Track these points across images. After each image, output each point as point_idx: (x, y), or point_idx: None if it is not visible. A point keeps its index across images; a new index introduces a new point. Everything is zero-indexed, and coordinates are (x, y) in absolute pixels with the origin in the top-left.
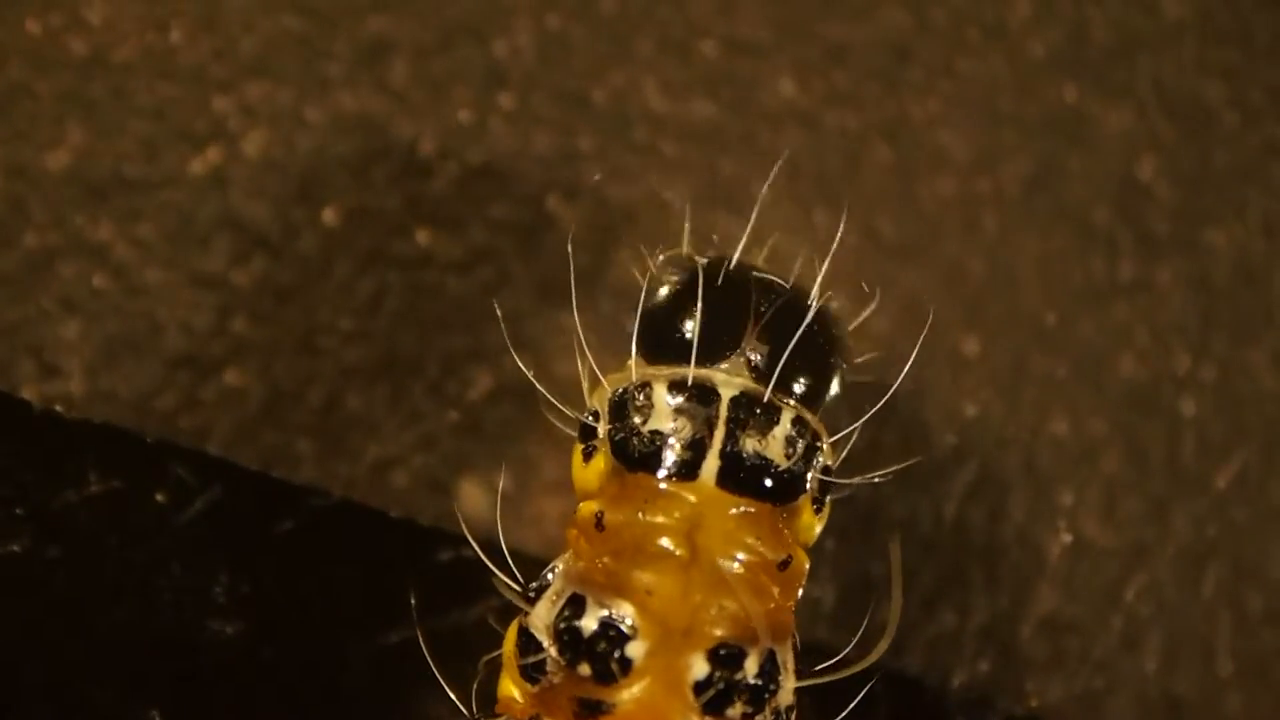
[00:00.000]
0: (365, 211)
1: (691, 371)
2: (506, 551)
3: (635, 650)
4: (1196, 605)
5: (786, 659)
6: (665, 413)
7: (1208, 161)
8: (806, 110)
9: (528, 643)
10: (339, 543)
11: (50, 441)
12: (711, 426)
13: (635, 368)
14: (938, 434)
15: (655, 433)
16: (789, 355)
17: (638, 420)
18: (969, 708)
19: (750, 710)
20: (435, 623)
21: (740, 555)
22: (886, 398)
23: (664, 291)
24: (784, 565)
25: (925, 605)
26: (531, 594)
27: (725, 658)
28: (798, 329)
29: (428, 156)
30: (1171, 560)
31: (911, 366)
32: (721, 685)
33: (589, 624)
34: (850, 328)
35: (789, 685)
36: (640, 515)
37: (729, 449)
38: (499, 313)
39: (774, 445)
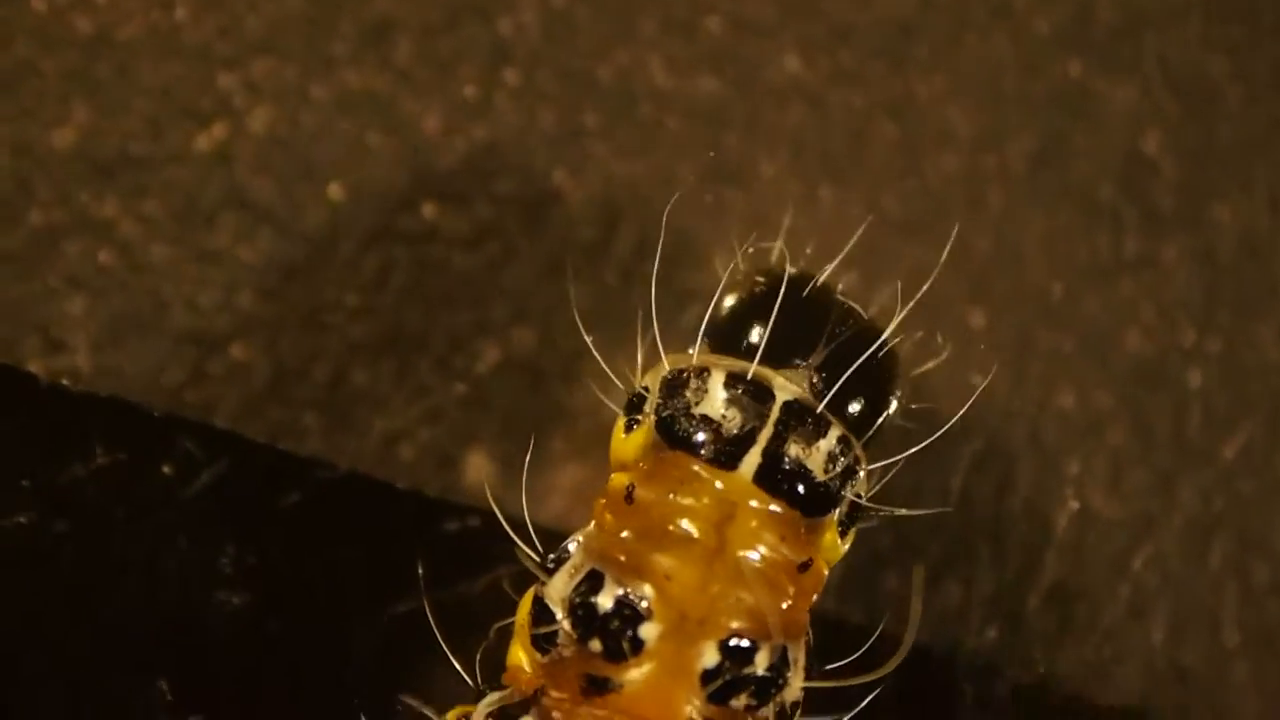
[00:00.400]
0: (371, 188)
1: (753, 368)
2: (507, 523)
3: (648, 632)
4: (1203, 576)
5: (798, 656)
6: (718, 401)
7: (1213, 137)
8: (812, 87)
9: (541, 613)
10: (346, 515)
11: (56, 415)
12: (761, 423)
13: (698, 354)
14: (944, 407)
15: (704, 417)
16: (848, 380)
17: (689, 401)
18: (976, 677)
19: (755, 704)
20: (441, 594)
21: (763, 550)
22: (929, 440)
23: (745, 289)
24: (804, 567)
25: (932, 576)
26: (550, 565)
27: (736, 650)
28: (863, 357)
29: (433, 133)
30: (1178, 531)
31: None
32: (729, 676)
33: (605, 601)
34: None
35: (797, 683)
36: (672, 495)
37: (773, 448)
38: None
39: (816, 457)
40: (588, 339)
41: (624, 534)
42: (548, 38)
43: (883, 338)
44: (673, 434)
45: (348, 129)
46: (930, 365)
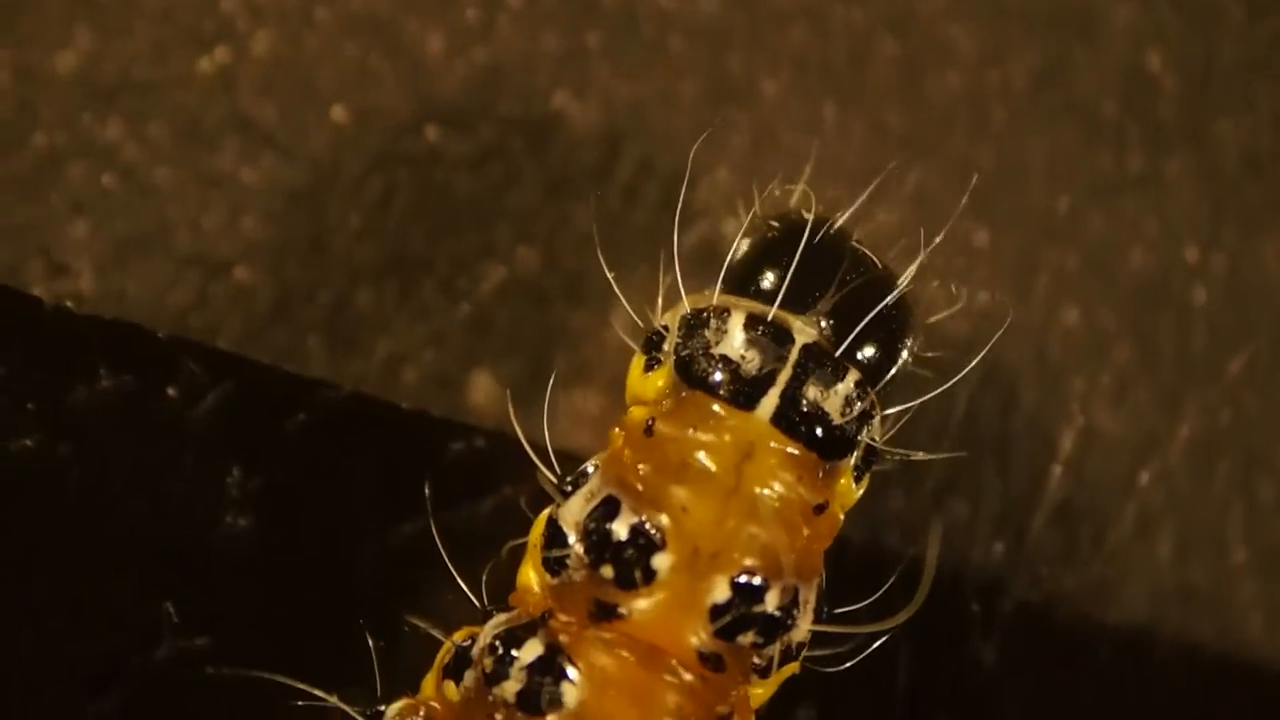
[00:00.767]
0: (374, 111)
1: (773, 311)
2: (515, 444)
3: (661, 562)
4: (1209, 494)
5: (809, 598)
6: (738, 341)
7: (1215, 54)
8: (813, 6)
9: (554, 535)
10: (351, 436)
11: (61, 338)
12: (780, 365)
13: (717, 295)
14: (948, 325)
15: (723, 357)
16: (864, 326)
17: (709, 341)
18: (983, 594)
19: (761, 642)
20: (447, 515)
21: (779, 489)
22: (949, 383)
23: (762, 234)
24: (820, 510)
25: (938, 494)
26: (568, 487)
27: (747, 588)
28: (879, 304)
29: (436, 56)
30: (1183, 450)
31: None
32: (738, 613)
33: (620, 529)
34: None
35: (804, 625)
36: (691, 431)
37: (791, 391)
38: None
39: (833, 400)
40: (611, 277)
41: (641, 467)
42: None
43: (900, 286)
44: (691, 374)
45: (351, 52)
46: (945, 314)
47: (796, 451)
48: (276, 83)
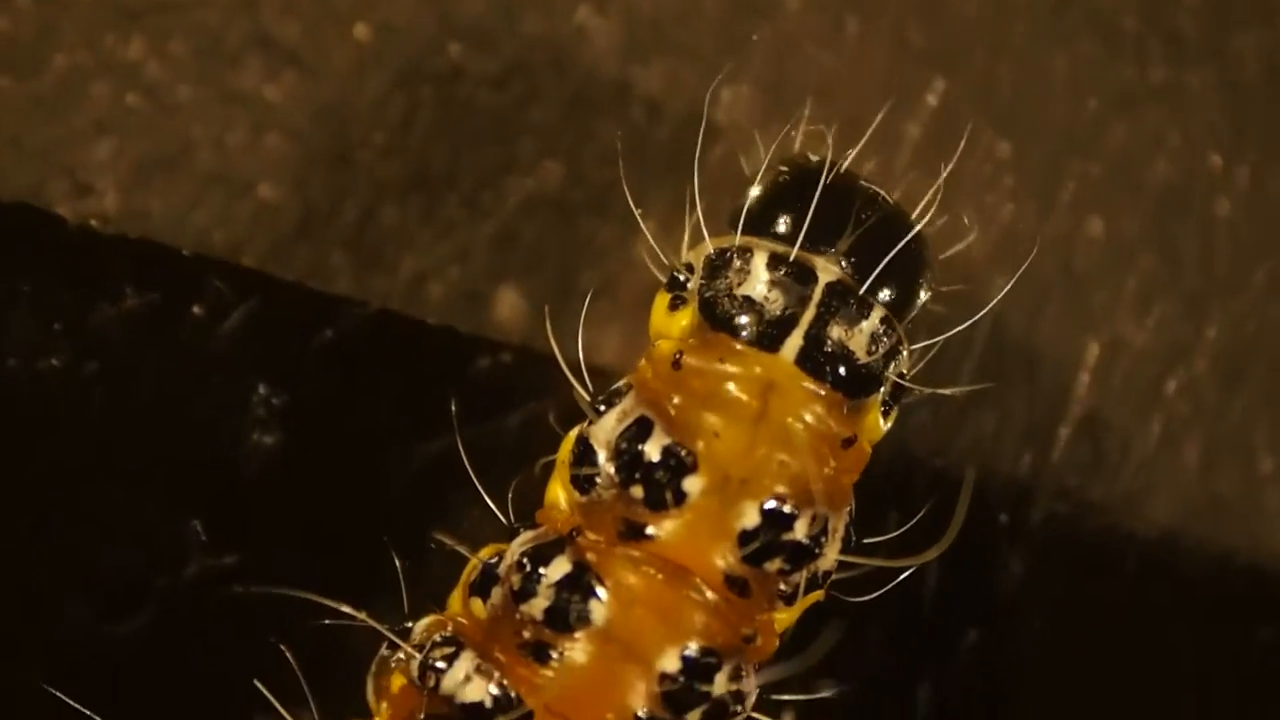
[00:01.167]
0: (397, 28)
1: (795, 251)
2: (540, 359)
3: (692, 485)
4: (1235, 404)
5: (837, 527)
6: (761, 282)
7: None
8: None
9: (584, 453)
10: (378, 352)
11: (86, 257)
12: (803, 305)
13: (739, 235)
14: (974, 243)
15: (747, 298)
16: (884, 259)
17: (732, 282)
18: (1011, 505)
19: (788, 569)
20: (473, 430)
21: (808, 419)
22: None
23: (779, 175)
24: (848, 443)
25: (965, 406)
26: (600, 406)
27: (777, 515)
28: (897, 241)
29: None
30: (1209, 359)
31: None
32: (767, 540)
33: (652, 449)
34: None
35: (832, 554)
36: (719, 364)
37: (815, 331)
38: None
39: (859, 338)
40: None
41: (671, 396)
42: None
43: (915, 222)
44: (715, 316)
45: None
46: (959, 247)
47: (822, 391)
48: (299, 0)
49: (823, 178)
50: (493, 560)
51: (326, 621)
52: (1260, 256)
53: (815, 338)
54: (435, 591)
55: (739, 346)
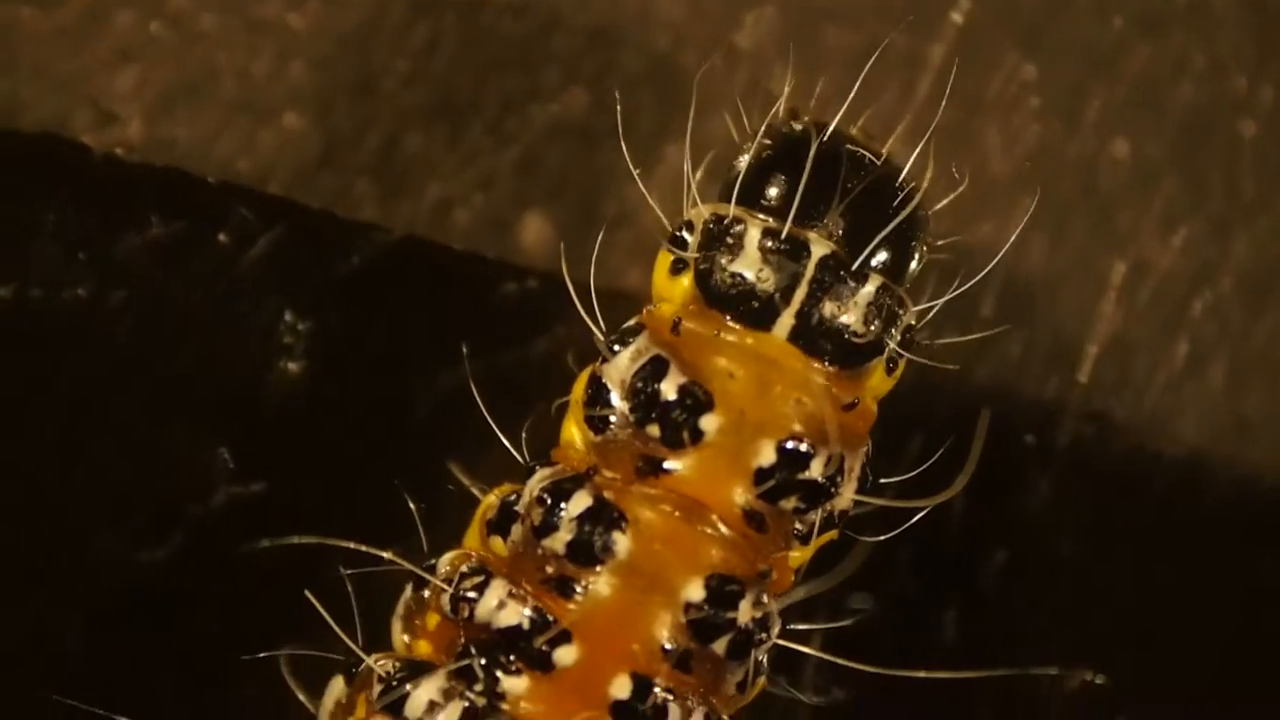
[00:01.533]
0: None
1: (788, 226)
2: (566, 286)
3: (709, 424)
4: (1261, 324)
5: (854, 466)
6: (753, 257)
7: None
8: None
9: (598, 393)
10: (403, 279)
11: (111, 186)
12: (795, 283)
13: (733, 207)
14: (995, 161)
15: (739, 276)
16: (877, 230)
17: (725, 258)
18: (1038, 427)
19: (803, 507)
20: (499, 356)
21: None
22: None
23: (765, 147)
24: (849, 407)
25: (990, 329)
26: (614, 346)
27: (794, 453)
28: (891, 205)
29: None
30: (1235, 281)
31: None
32: (783, 477)
33: (668, 388)
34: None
35: (848, 493)
36: (717, 334)
37: (806, 309)
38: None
39: (855, 311)
40: (636, 173)
41: (679, 347)
42: None
43: (910, 186)
44: (709, 291)
45: None
46: (950, 198)
47: (817, 365)
48: None
49: (814, 146)
50: (511, 498)
51: (353, 546)
52: None
53: (807, 315)
54: (456, 530)
55: (732, 324)
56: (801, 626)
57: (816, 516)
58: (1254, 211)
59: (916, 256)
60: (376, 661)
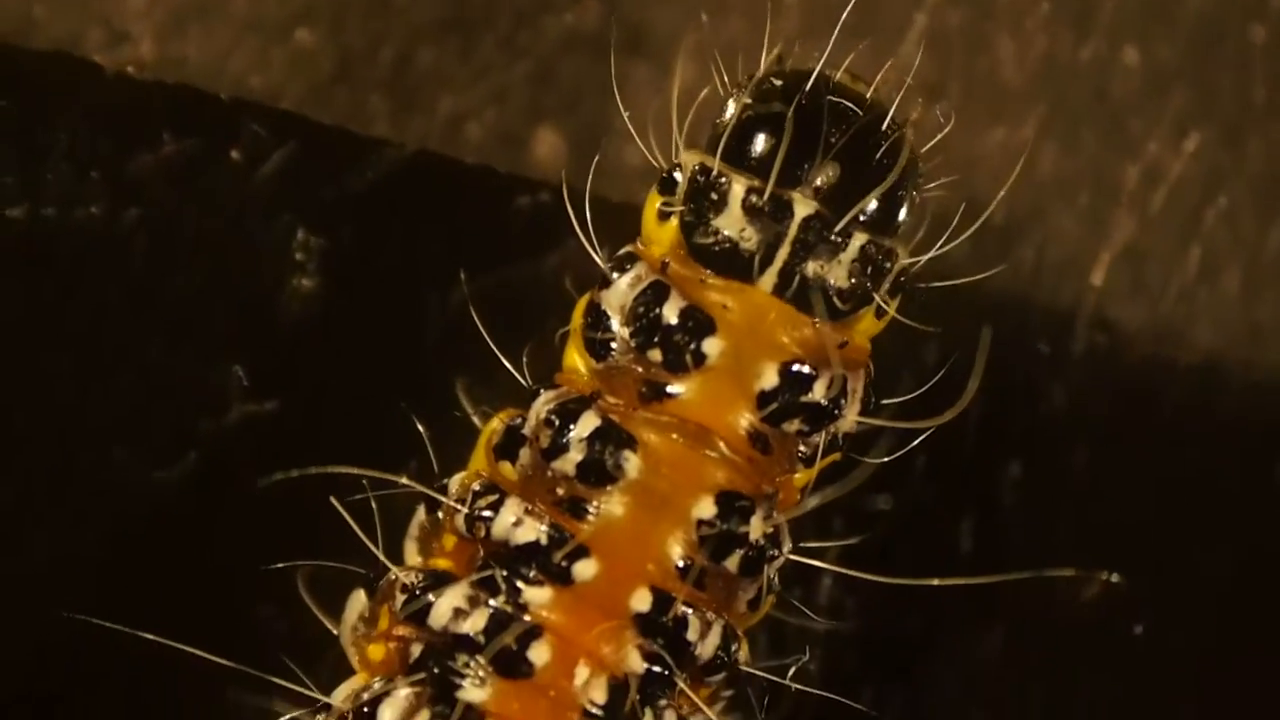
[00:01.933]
0: None
1: (770, 186)
2: (576, 201)
3: (712, 347)
4: (1275, 231)
5: (856, 388)
6: (737, 215)
7: None
8: None
9: (597, 319)
10: (416, 194)
11: (123, 104)
12: (778, 242)
13: (718, 162)
14: (1007, 69)
15: (723, 234)
16: (862, 184)
17: (710, 214)
18: (1051, 336)
19: (807, 430)
20: (511, 271)
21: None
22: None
23: (743, 110)
24: (840, 346)
25: (1002, 238)
26: (612, 270)
27: (797, 375)
28: (874, 157)
29: None
30: (1248, 188)
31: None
32: (786, 399)
33: (669, 313)
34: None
35: (851, 415)
36: (703, 280)
37: (789, 267)
38: None
39: (839, 270)
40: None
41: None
42: None
43: (886, 128)
44: (693, 245)
45: None
46: (938, 139)
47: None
48: None
49: (794, 104)
50: (515, 421)
51: (365, 495)
52: None
53: (789, 273)
54: (470, 447)
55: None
56: (815, 544)
57: (820, 439)
58: (1265, 117)
59: (906, 205)
60: (400, 572)
